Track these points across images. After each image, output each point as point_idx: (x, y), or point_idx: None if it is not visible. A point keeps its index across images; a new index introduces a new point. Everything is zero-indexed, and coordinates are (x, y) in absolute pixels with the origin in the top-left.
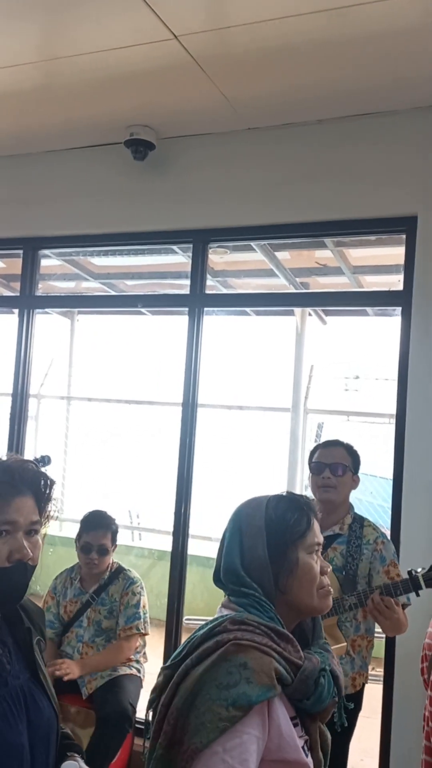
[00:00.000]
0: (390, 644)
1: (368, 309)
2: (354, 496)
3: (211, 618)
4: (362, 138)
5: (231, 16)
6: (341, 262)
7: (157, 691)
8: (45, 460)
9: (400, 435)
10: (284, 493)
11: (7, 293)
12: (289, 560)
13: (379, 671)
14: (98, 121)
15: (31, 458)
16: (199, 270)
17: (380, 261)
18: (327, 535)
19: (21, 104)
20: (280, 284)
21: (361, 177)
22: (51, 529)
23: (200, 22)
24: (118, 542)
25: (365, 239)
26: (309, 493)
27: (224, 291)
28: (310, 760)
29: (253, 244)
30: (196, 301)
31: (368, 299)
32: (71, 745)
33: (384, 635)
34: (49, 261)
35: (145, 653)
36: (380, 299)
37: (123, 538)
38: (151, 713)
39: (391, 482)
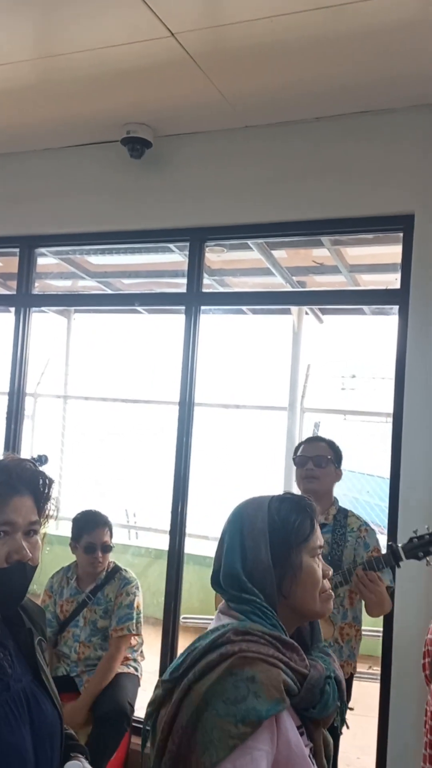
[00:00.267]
0: (387, 643)
1: (365, 308)
2: (351, 495)
3: (210, 624)
4: (360, 136)
5: (228, 14)
6: (338, 261)
7: (156, 705)
8: (42, 460)
9: (397, 434)
10: (286, 495)
11: (3, 292)
12: (293, 564)
13: (376, 669)
14: (95, 119)
15: (29, 457)
16: (195, 268)
17: (377, 260)
18: None
19: (17, 101)
20: (276, 283)
21: (358, 175)
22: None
23: (197, 20)
24: (114, 540)
25: (362, 238)
26: (296, 488)
27: (221, 289)
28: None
29: (249, 242)
30: (193, 300)
31: (365, 298)
32: (75, 745)
33: (381, 635)
34: (46, 259)
35: (142, 652)
36: (377, 298)
37: (120, 536)
38: (149, 726)
39: (388, 481)
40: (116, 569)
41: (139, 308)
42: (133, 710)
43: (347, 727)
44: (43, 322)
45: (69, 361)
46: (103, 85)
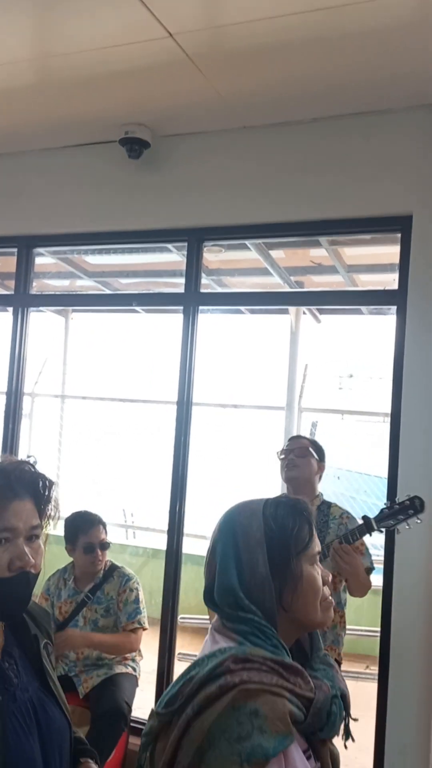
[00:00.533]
0: (385, 642)
1: (363, 308)
2: (348, 494)
3: (204, 643)
4: (358, 136)
5: (226, 14)
6: (336, 261)
7: (152, 737)
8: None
9: (395, 434)
10: (281, 498)
11: (1, 291)
12: (293, 574)
13: (374, 669)
14: (93, 119)
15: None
16: (193, 268)
17: (375, 260)
18: None
19: (15, 101)
20: (274, 283)
21: (356, 176)
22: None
23: (195, 20)
24: (111, 539)
25: (360, 238)
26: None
27: (219, 290)
28: None
29: (247, 242)
30: (191, 300)
31: (363, 298)
32: (84, 750)
33: (379, 635)
34: (44, 259)
35: (140, 651)
36: (375, 298)
37: (117, 536)
38: (146, 757)
39: (385, 481)
40: (114, 567)
41: (136, 308)
42: (130, 710)
43: (353, 740)
44: (41, 321)
45: (66, 360)
46: (102, 86)
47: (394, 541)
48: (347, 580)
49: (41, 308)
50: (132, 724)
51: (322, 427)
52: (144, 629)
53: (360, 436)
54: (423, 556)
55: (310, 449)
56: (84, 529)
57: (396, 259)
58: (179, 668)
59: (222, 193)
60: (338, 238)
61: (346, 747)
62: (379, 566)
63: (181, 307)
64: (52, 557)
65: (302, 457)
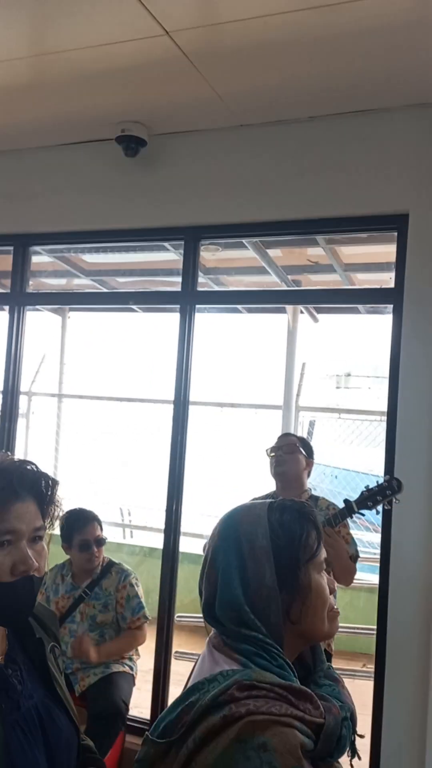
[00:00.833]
0: (381, 640)
1: (360, 306)
2: (345, 493)
3: (199, 659)
4: (354, 135)
5: (223, 12)
6: (333, 260)
7: (146, 765)
8: None
9: (392, 433)
10: (286, 502)
11: None
12: (302, 585)
13: (370, 667)
14: (89, 117)
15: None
16: (190, 267)
17: (372, 258)
18: None
19: (10, 99)
20: (271, 281)
21: (353, 174)
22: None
23: (192, 18)
24: (108, 539)
25: (357, 237)
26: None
27: (216, 288)
28: None
29: (244, 241)
30: (188, 299)
31: (360, 297)
32: (93, 759)
33: (374, 632)
34: (40, 258)
35: (137, 650)
36: (372, 297)
37: (115, 535)
38: None
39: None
40: (111, 563)
41: (133, 307)
42: (128, 709)
43: (359, 758)
44: (38, 320)
45: (63, 359)
46: (98, 83)
47: (390, 539)
48: (332, 565)
49: (38, 307)
50: (129, 723)
51: (319, 426)
52: (148, 620)
53: (357, 435)
54: (418, 554)
55: (298, 446)
56: (78, 526)
57: (392, 258)
58: (176, 667)
59: (219, 192)
60: (335, 237)
61: (352, 766)
62: (375, 564)
63: (178, 306)
64: (51, 556)
65: (290, 453)
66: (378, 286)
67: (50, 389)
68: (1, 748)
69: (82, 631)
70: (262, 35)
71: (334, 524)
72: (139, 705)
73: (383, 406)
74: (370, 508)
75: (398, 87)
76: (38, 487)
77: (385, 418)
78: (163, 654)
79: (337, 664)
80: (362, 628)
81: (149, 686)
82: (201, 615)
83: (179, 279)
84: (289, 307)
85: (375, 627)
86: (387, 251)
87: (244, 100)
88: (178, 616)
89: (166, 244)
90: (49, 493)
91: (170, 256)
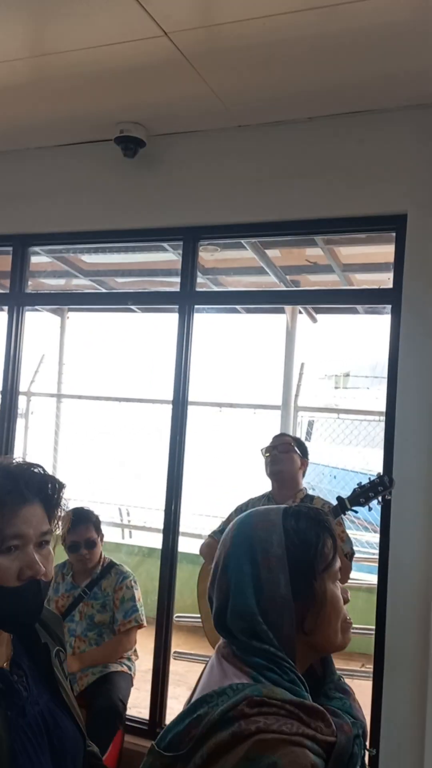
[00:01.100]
0: (379, 640)
1: (358, 307)
2: (344, 493)
3: (206, 667)
4: (353, 135)
5: (221, 13)
6: (331, 260)
7: None
8: None
9: (390, 432)
10: (300, 508)
11: None
12: (317, 595)
13: (369, 667)
14: (88, 118)
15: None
16: (189, 267)
17: (370, 259)
18: None
19: (9, 100)
20: (270, 282)
21: (351, 175)
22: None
23: (190, 19)
24: (107, 539)
25: (355, 237)
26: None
27: (214, 288)
28: None
29: (243, 241)
30: (187, 299)
31: (358, 297)
32: (98, 766)
33: (373, 632)
34: (39, 258)
35: (135, 650)
36: (370, 297)
37: (113, 535)
38: None
39: None
40: (111, 564)
41: (132, 307)
42: (126, 708)
43: None
44: (37, 320)
45: (62, 359)
46: (97, 84)
47: (389, 539)
48: None
49: (37, 307)
50: (127, 723)
51: (317, 426)
52: (141, 626)
53: (356, 435)
54: (417, 554)
55: (293, 446)
56: (70, 527)
57: (391, 258)
58: (175, 667)
59: (218, 192)
60: (333, 237)
61: None
62: (373, 565)
63: (177, 306)
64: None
65: (285, 453)
66: (376, 287)
67: (49, 389)
68: (8, 756)
69: (80, 631)
70: (261, 36)
71: None
72: (138, 705)
73: (382, 406)
74: (362, 505)
75: (396, 88)
76: (45, 491)
77: (383, 418)
78: (161, 654)
79: (335, 664)
80: (361, 628)
81: (148, 686)
82: (199, 615)
83: (178, 279)
84: (287, 308)
85: (373, 627)
86: (385, 252)
87: (242, 101)
88: (176, 617)
89: (164, 244)
90: (56, 496)
91: (169, 256)
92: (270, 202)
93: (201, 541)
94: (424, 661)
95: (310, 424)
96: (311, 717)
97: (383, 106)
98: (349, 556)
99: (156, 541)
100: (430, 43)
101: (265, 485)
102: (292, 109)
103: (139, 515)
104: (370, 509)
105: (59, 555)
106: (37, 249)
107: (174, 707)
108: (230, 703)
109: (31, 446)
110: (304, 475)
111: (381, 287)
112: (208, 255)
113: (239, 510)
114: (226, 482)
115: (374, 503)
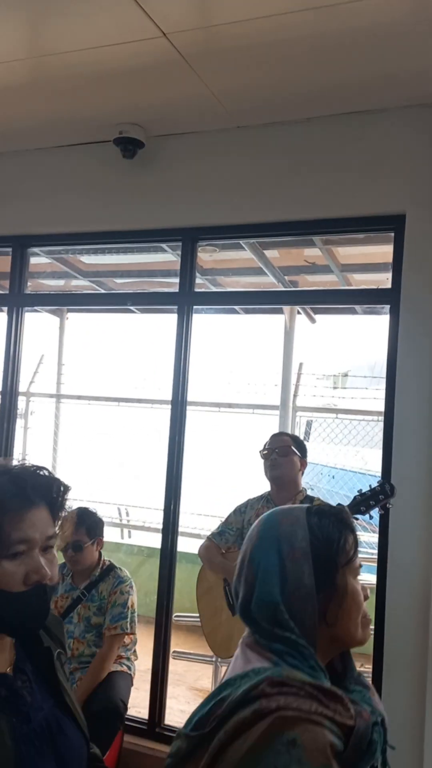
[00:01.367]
0: (378, 641)
1: (357, 307)
2: (343, 494)
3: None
4: (351, 136)
5: (220, 14)
6: (330, 261)
7: (178, 759)
8: None
9: (389, 433)
10: (323, 507)
11: None
12: (339, 588)
13: (368, 667)
14: (87, 119)
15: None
16: (188, 268)
17: (369, 259)
18: None
19: (8, 101)
20: (268, 282)
21: (349, 175)
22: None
23: (189, 20)
24: (105, 538)
25: (354, 237)
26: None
27: (213, 289)
28: None
29: (242, 242)
30: (185, 300)
31: (357, 297)
32: None
33: (372, 632)
34: (38, 259)
35: (135, 651)
36: (368, 297)
37: (112, 535)
38: None
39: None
40: (111, 567)
41: (131, 308)
42: (126, 709)
43: None
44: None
45: (62, 360)
46: (95, 85)
47: (388, 540)
48: None
49: (36, 308)
50: (127, 723)
51: (316, 427)
52: (128, 635)
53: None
54: (416, 554)
55: (293, 447)
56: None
57: (389, 259)
58: (174, 667)
59: (216, 193)
60: (332, 238)
61: None
62: (372, 564)
63: (176, 307)
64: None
65: (285, 456)
66: (375, 287)
67: (48, 390)
68: (13, 763)
69: (78, 633)
70: (259, 37)
71: None
72: (138, 705)
73: (380, 407)
74: (363, 513)
75: (395, 88)
76: (50, 493)
77: (382, 418)
78: (161, 654)
79: None
80: None
81: (147, 686)
82: (198, 615)
83: (177, 280)
84: (286, 308)
85: (372, 627)
86: (384, 252)
87: (241, 102)
88: (176, 616)
89: (163, 245)
90: (60, 499)
91: (168, 257)
92: (268, 202)
93: (200, 541)
94: (423, 661)
95: (309, 424)
96: (329, 699)
97: (382, 106)
98: None
99: (155, 541)
100: (428, 43)
101: (263, 485)
102: (290, 110)
103: (138, 515)
104: (371, 518)
105: (59, 555)
106: (36, 250)
107: (173, 707)
108: (252, 684)
109: (30, 446)
110: (303, 475)
111: (379, 287)
112: (207, 255)
113: (238, 511)
114: (225, 482)
115: (375, 512)
